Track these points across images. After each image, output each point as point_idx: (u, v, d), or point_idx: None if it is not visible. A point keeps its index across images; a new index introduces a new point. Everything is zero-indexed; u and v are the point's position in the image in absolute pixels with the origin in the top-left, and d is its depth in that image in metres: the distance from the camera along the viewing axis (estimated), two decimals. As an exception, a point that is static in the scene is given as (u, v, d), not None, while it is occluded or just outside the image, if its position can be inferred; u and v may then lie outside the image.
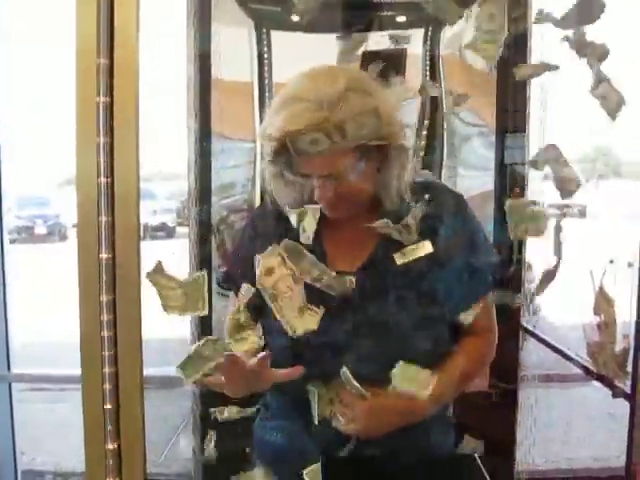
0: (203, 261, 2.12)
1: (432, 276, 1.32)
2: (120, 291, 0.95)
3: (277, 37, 2.41)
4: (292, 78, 1.28)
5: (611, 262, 1.22)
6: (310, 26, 2.24)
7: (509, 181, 2.28)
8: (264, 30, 2.35)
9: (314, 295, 1.24)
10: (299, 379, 1.26)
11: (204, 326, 2.03)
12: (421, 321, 1.31)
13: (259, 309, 1.32)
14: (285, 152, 1.22)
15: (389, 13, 2.16)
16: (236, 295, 1.40)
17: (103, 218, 0.93)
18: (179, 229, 12.76)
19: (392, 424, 1.31)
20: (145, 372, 0.97)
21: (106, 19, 0.92)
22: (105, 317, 0.93)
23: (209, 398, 1.91)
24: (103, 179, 0.92)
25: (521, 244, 2.22)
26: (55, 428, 4.66)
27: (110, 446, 0.94)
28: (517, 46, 2.07)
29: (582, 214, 15.91)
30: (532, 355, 2.03)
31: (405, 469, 1.36)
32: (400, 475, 1.37)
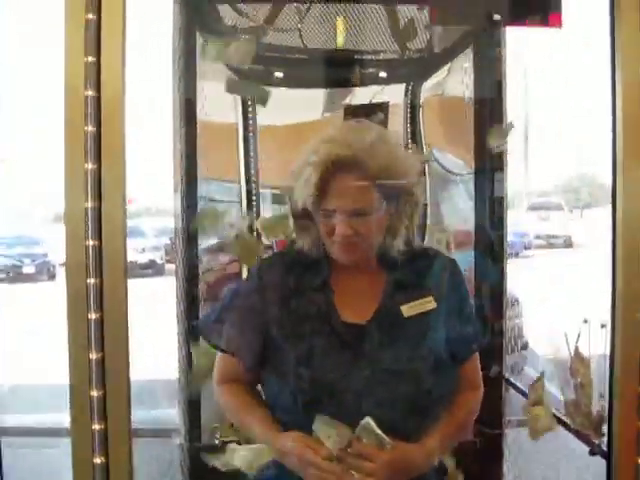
0: (192, 300, 2.14)
1: (435, 328, 1.39)
2: (107, 317, 0.98)
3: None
4: (325, 127, 1.41)
5: (585, 322, 1.27)
6: (293, 82, 2.31)
7: (489, 217, 2.29)
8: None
9: (329, 347, 1.30)
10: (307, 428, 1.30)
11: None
12: (428, 369, 1.36)
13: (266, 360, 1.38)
14: (309, 188, 1.31)
15: (371, 70, 2.23)
16: (229, 353, 1.44)
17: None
18: (168, 266, 12.72)
19: (408, 475, 1.33)
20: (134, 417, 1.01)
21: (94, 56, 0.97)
22: (94, 356, 0.97)
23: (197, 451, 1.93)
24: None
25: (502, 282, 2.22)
26: (43, 476, 4.62)
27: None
28: (492, 85, 2.14)
29: (567, 244, 16.03)
30: (515, 406, 2.06)
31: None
32: None
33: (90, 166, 0.99)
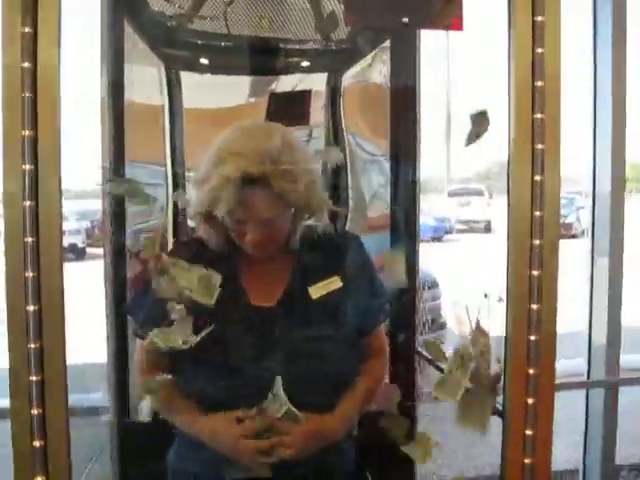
0: (119, 286, 2.16)
1: (341, 306, 1.48)
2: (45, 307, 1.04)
3: (187, 76, 2.51)
4: (225, 134, 1.41)
5: (485, 296, 1.39)
6: (219, 69, 2.37)
7: (403, 201, 2.37)
8: (173, 71, 2.44)
9: (238, 329, 1.38)
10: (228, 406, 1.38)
11: (120, 353, 2.09)
12: (336, 346, 1.46)
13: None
14: (221, 201, 1.34)
15: (295, 59, 2.30)
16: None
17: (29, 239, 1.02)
18: (89, 250, 12.48)
19: (321, 445, 1.43)
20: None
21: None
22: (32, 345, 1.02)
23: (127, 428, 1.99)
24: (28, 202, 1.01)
25: (415, 264, 2.32)
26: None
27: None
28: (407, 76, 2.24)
29: (487, 229, 16.54)
30: (427, 376, 2.19)
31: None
32: None
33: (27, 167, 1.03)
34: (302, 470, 1.42)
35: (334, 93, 2.41)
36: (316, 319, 1.46)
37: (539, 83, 1.11)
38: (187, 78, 2.48)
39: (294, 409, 1.37)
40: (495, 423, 1.30)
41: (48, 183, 1.03)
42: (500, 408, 1.24)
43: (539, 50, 1.11)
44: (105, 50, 2.00)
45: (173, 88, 2.44)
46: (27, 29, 0.99)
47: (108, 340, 2.06)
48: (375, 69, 2.36)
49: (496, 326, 1.37)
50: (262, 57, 2.24)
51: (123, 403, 2.02)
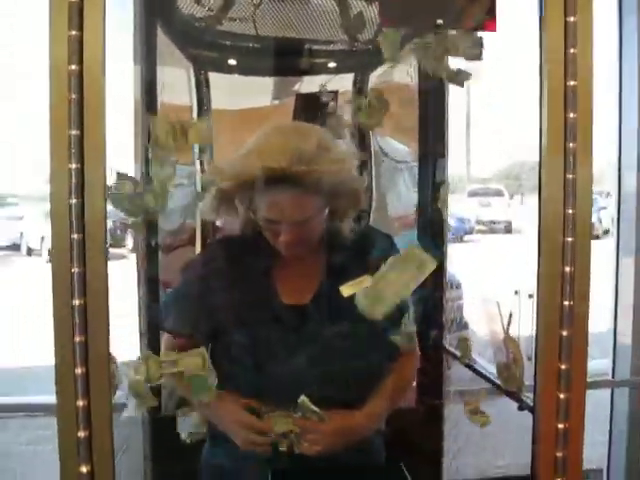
0: (152, 284, 2.18)
1: None
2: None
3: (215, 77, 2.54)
4: (259, 133, 1.42)
5: (516, 293, 1.41)
6: (246, 69, 2.39)
7: (431, 202, 2.38)
8: (202, 72, 2.48)
9: (271, 328, 1.40)
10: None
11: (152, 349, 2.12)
12: (365, 345, 1.48)
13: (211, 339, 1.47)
14: (253, 200, 1.37)
15: (321, 60, 2.32)
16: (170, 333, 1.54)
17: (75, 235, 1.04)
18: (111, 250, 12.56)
19: (351, 440, 1.46)
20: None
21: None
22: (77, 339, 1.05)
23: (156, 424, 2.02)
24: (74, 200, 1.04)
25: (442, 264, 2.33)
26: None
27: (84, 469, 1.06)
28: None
29: (507, 230, 16.45)
30: (455, 374, 2.20)
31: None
32: None
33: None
34: (333, 465, 1.45)
35: (360, 94, 2.43)
36: (347, 318, 1.48)
37: (571, 82, 1.12)
38: (215, 79, 2.51)
39: (316, 409, 1.40)
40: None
41: (93, 181, 1.05)
42: (531, 404, 1.25)
43: (572, 50, 1.12)
44: (138, 52, 2.03)
45: (202, 89, 2.47)
46: (74, 32, 1.02)
47: (141, 336, 2.09)
48: (402, 69, 2.37)
49: (526, 323, 1.40)
50: (289, 58, 2.27)
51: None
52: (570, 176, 1.14)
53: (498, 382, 1.45)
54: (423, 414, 2.15)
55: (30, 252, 16.96)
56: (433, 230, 2.31)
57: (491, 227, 16.62)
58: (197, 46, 2.39)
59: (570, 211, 1.14)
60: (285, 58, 2.26)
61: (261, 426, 1.40)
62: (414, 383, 1.89)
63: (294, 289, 1.51)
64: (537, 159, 1.18)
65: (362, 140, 2.53)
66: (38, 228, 15.75)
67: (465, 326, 5.35)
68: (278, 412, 1.42)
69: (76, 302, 1.04)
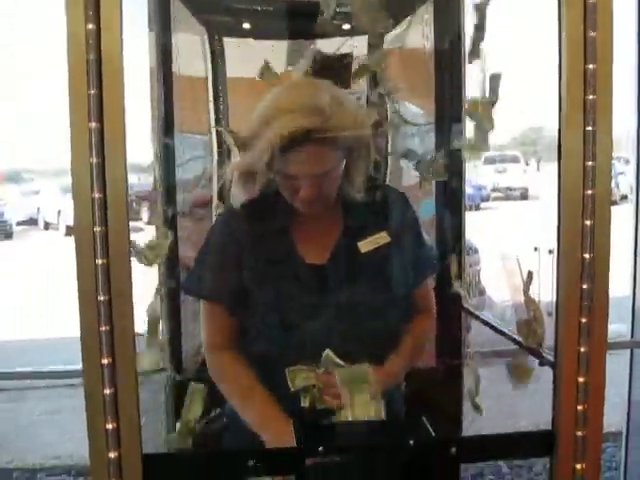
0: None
1: (389, 261, 1.51)
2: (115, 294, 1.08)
3: (229, 42, 2.53)
4: (273, 92, 1.43)
5: (535, 250, 1.40)
6: (260, 33, 2.38)
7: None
8: (216, 37, 2.46)
9: (293, 288, 1.41)
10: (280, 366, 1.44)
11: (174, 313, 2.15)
12: (385, 300, 1.50)
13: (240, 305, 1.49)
14: (272, 156, 1.35)
15: (334, 22, 2.29)
16: (208, 300, 1.55)
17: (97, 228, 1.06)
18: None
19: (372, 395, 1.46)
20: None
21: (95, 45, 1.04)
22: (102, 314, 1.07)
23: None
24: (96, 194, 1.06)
25: (460, 229, 2.33)
26: (19, 428, 4.73)
27: (109, 426, 1.08)
28: (451, 37, 2.22)
29: (524, 197, 16.36)
30: (475, 334, 2.21)
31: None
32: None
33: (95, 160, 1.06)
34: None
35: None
36: (366, 275, 1.50)
37: (591, 33, 1.11)
38: (230, 47, 2.50)
39: (341, 362, 1.42)
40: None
41: (115, 173, 1.06)
42: (552, 359, 1.26)
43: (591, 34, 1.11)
44: (152, 19, 2.02)
45: (216, 57, 2.46)
46: (90, 25, 1.02)
47: (162, 300, 2.10)
48: (416, 30, 2.34)
49: (546, 280, 1.40)
50: (303, 20, 2.24)
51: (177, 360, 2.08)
52: (589, 128, 1.13)
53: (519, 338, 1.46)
54: (443, 373, 2.16)
55: (47, 226, 17.11)
56: (449, 198, 2.29)
57: (507, 194, 16.54)
58: (210, 10, 2.37)
59: (590, 163, 1.13)
60: (298, 20, 2.23)
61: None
62: (432, 342, 1.90)
63: (313, 248, 1.52)
64: (554, 125, 1.17)
65: (377, 104, 2.51)
66: (54, 202, 15.85)
67: (481, 292, 5.38)
68: (300, 366, 1.44)
69: (99, 261, 1.06)
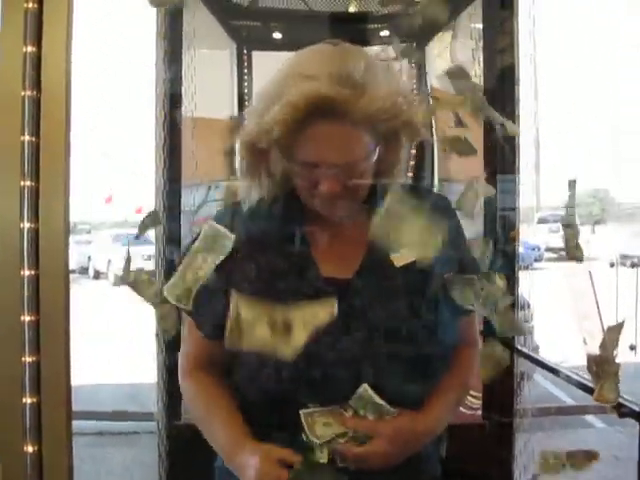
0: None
1: (429, 279, 1.19)
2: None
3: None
4: (297, 55, 1.13)
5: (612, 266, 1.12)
6: (293, 44, 2.17)
7: (499, 226, 2.12)
8: (245, 52, 2.27)
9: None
10: (290, 408, 1.13)
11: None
12: (424, 326, 1.17)
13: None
14: (289, 139, 1.05)
15: (373, 26, 2.08)
16: (194, 321, 1.26)
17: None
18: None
19: (410, 449, 1.15)
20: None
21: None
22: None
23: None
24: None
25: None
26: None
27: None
28: (504, 77, 1.98)
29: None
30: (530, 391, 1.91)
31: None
32: None
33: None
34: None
35: (418, 66, 2.17)
36: (400, 294, 1.18)
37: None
38: (258, 60, 2.31)
39: (382, 402, 1.10)
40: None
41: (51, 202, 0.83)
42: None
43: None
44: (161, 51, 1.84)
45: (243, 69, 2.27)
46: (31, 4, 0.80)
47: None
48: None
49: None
50: (340, 29, 2.03)
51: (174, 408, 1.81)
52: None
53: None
54: (490, 430, 1.84)
55: (98, 275, 17.31)
56: (503, 258, 2.01)
57: (560, 254, 16.10)
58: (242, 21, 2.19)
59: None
60: (335, 29, 2.02)
61: None
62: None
63: (335, 260, 1.20)
64: (609, 187, 0.91)
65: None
66: (105, 252, 16.07)
67: (535, 349, 5.03)
68: (317, 407, 1.13)
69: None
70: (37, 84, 0.82)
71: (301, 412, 1.12)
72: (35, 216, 0.83)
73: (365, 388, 1.10)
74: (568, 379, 1.35)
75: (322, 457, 1.13)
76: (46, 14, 0.82)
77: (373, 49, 2.13)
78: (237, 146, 1.18)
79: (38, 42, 0.82)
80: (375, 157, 1.12)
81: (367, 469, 1.11)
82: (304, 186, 1.14)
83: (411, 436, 1.14)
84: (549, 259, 16.02)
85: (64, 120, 0.82)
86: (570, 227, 1.27)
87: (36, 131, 0.82)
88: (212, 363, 1.26)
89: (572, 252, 1.27)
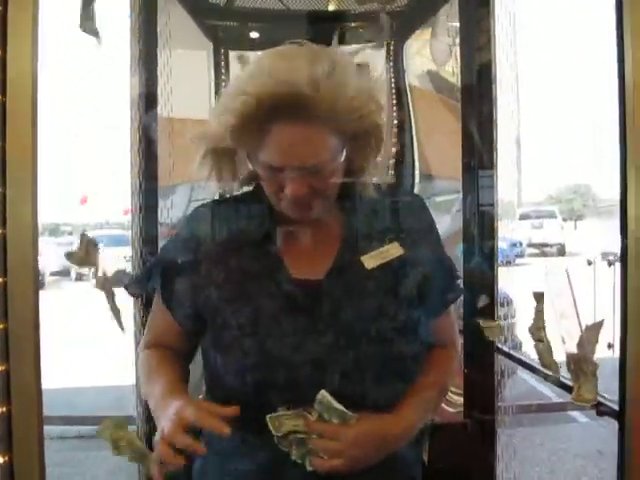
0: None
1: (402, 280, 1.18)
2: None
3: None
4: (260, 57, 1.10)
5: (589, 264, 1.13)
6: (270, 43, 2.15)
7: (478, 223, 2.07)
8: (222, 51, 2.25)
9: (279, 310, 1.12)
10: (257, 410, 1.09)
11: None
12: (397, 329, 1.15)
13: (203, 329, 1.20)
14: (251, 140, 1.05)
15: (351, 24, 2.06)
16: (165, 304, 1.25)
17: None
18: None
19: (381, 453, 1.13)
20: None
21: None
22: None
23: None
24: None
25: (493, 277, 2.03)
26: None
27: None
28: (481, 76, 1.96)
29: (560, 252, 15.95)
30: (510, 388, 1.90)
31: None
32: None
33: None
34: None
35: (396, 68, 2.16)
36: (372, 295, 1.17)
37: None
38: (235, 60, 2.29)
39: (341, 407, 1.08)
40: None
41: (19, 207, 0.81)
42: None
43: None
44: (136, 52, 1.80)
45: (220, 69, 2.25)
46: None
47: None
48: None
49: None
50: (317, 28, 2.00)
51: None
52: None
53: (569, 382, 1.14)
54: (471, 429, 1.83)
55: (80, 277, 17.17)
56: (483, 254, 1.99)
57: (542, 250, 16.17)
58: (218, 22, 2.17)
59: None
60: (312, 28, 1.99)
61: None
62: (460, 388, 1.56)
63: (305, 262, 1.19)
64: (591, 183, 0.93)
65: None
66: (86, 254, 15.99)
67: (518, 347, 5.04)
68: (284, 411, 1.11)
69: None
70: (2, 88, 0.79)
71: (267, 417, 1.10)
72: (2, 222, 0.81)
73: (323, 394, 1.07)
74: (547, 377, 1.34)
75: (296, 457, 1.12)
76: (10, 17, 0.80)
77: (350, 47, 2.13)
78: (198, 145, 1.17)
79: (3, 46, 0.81)
80: (343, 157, 1.11)
81: (336, 472, 1.09)
82: (271, 189, 1.13)
83: (379, 439, 1.12)
84: (531, 254, 16.11)
85: (30, 124, 0.81)
86: (541, 342, 1.29)
87: (2, 135, 0.80)
88: (172, 345, 1.27)
89: (548, 368, 1.31)
